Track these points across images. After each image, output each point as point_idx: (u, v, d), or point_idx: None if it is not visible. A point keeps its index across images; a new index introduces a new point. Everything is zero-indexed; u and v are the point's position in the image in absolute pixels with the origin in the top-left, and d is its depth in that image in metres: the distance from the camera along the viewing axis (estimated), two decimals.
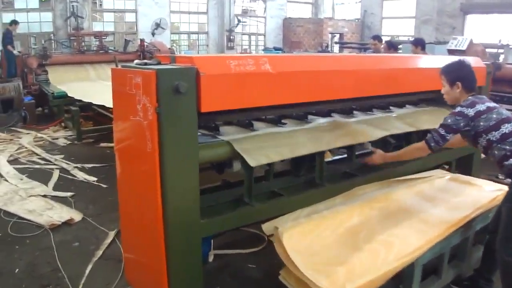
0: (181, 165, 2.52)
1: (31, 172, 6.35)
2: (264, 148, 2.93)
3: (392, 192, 3.61)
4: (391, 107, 4.24)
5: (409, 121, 3.99)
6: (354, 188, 3.60)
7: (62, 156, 7.17)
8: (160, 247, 2.61)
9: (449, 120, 3.07)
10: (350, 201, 3.44)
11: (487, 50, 10.25)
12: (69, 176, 6.16)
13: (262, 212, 3.08)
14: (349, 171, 3.78)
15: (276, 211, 3.12)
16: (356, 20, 21.91)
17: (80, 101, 8.06)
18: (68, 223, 4.56)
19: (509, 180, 3.08)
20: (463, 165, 4.85)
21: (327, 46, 19.03)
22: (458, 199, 3.66)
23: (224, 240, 3.92)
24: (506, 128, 2.96)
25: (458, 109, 3.07)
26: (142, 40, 12.15)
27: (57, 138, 8.45)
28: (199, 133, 2.71)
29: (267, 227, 3.05)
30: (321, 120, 3.56)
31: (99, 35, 12.07)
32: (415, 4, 19.74)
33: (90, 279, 3.54)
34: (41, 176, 6.13)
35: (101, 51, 11.50)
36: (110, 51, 11.71)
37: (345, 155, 3.97)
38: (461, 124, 3.03)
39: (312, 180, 3.49)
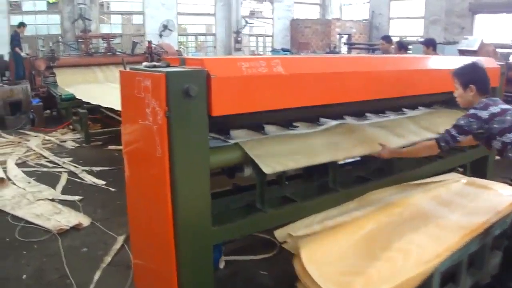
0: (191, 171, 2.44)
1: (39, 175, 6.31)
2: (279, 155, 2.84)
3: (408, 197, 3.52)
4: (405, 109, 4.14)
5: (424, 124, 3.89)
6: (368, 192, 3.51)
7: (70, 159, 7.13)
8: (170, 254, 2.53)
9: (461, 122, 2.99)
10: (365, 206, 3.35)
11: (497, 50, 10.12)
12: (77, 180, 6.12)
13: (275, 219, 3.00)
14: (362, 175, 3.69)
15: (289, 217, 3.04)
16: (364, 21, 21.80)
17: (88, 103, 8.01)
18: (76, 228, 4.50)
19: None
20: (478, 168, 4.75)
21: (335, 47, 18.92)
22: (476, 204, 3.56)
23: (235, 245, 3.85)
24: None
25: (472, 111, 3.00)
26: (149, 42, 12.12)
27: (65, 141, 8.41)
28: (209, 137, 2.62)
29: (280, 234, 2.97)
30: (334, 123, 3.47)
31: (106, 37, 12.04)
32: (423, 4, 19.61)
33: (99, 287, 3.48)
34: (49, 179, 6.09)
35: (108, 53, 11.48)
36: (117, 53, 11.68)
37: (358, 158, 3.87)
38: (474, 126, 2.96)
39: (325, 184, 3.40)
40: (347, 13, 23.35)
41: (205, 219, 2.57)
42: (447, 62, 4.13)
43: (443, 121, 3.88)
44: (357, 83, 3.17)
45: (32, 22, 14.55)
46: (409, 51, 9.20)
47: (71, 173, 6.36)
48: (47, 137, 8.58)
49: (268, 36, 21.54)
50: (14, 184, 5.81)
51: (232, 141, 2.85)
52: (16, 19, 13.71)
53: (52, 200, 5.28)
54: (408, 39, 17.98)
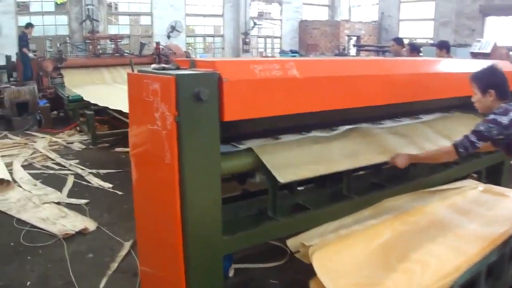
0: (202, 179, 2.34)
1: (45, 177, 6.23)
2: (295, 162, 2.73)
3: (424, 205, 3.41)
4: (422, 116, 4.02)
5: (442, 130, 3.78)
6: (383, 200, 3.40)
7: (77, 161, 7.05)
8: (179, 264, 2.44)
9: (481, 127, 2.86)
10: (380, 214, 3.24)
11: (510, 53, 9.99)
12: (83, 182, 6.03)
13: (287, 227, 2.89)
14: (377, 181, 3.57)
15: (302, 226, 2.93)
16: (373, 23, 21.64)
17: (95, 104, 7.94)
18: (82, 233, 4.41)
19: None
20: (493, 174, 4.63)
21: (344, 49, 18.78)
22: (494, 212, 3.47)
23: (244, 252, 3.73)
24: None
25: (492, 116, 2.86)
26: (157, 43, 12.05)
27: (72, 143, 8.33)
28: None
29: (292, 243, 2.86)
30: (348, 128, 3.35)
31: (114, 38, 11.97)
32: (433, 6, 19.43)
33: None
34: (56, 182, 6.01)
35: (116, 54, 11.41)
36: (125, 54, 11.62)
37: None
38: (494, 132, 2.83)
39: (339, 191, 3.28)
40: (356, 15, 23.19)
41: (216, 229, 2.47)
42: (464, 65, 4.01)
43: (461, 126, 3.77)
44: (374, 87, 3.05)
45: (39, 23, 14.53)
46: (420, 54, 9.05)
47: (77, 176, 6.28)
48: (54, 139, 8.52)
49: (276, 37, 21.43)
50: (20, 186, 5.74)
51: (243, 146, 2.74)
52: (23, 20, 13.69)
53: (58, 203, 5.20)
54: (418, 41, 17.84)
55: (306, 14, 21.85)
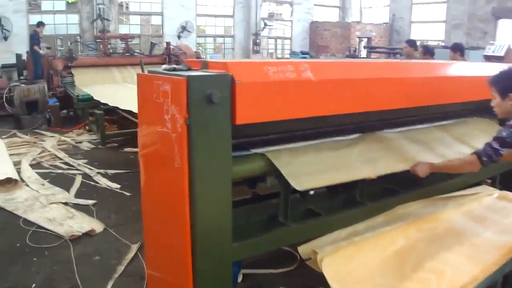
0: (212, 183, 2.26)
1: (53, 177, 6.20)
2: (311, 170, 2.65)
3: (439, 212, 3.32)
4: (440, 120, 3.93)
5: (462, 137, 3.70)
6: (397, 206, 3.30)
7: (85, 160, 7.02)
8: (187, 270, 2.36)
9: (503, 133, 2.75)
10: (393, 221, 3.15)
11: None
12: (91, 182, 6.00)
13: (299, 233, 2.80)
14: (390, 187, 3.47)
15: (313, 232, 2.85)
16: (385, 24, 21.47)
17: (105, 104, 7.91)
18: (89, 234, 4.36)
19: None
20: (507, 180, 4.51)
21: (355, 51, 18.65)
22: (510, 220, 3.37)
23: (254, 257, 3.64)
24: None
25: None
26: (168, 43, 12.02)
27: (80, 142, 8.32)
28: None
29: (304, 250, 2.77)
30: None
31: (125, 38, 11.96)
32: (445, 8, 19.25)
33: None
34: (63, 181, 5.97)
35: (127, 54, 11.41)
36: (136, 54, 11.60)
37: None
38: None
39: (352, 197, 3.19)
40: (367, 16, 23.02)
41: (226, 235, 2.39)
42: (481, 68, 3.91)
43: (479, 131, 3.69)
44: (391, 90, 2.95)
45: (51, 22, 14.53)
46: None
47: (85, 176, 6.24)
48: (62, 138, 8.50)
49: (286, 38, 21.34)
50: (28, 186, 5.71)
51: (255, 150, 2.66)
52: (35, 19, 13.69)
53: (66, 203, 5.16)
54: (429, 43, 17.68)
55: (317, 15, 21.73)
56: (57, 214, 4.80)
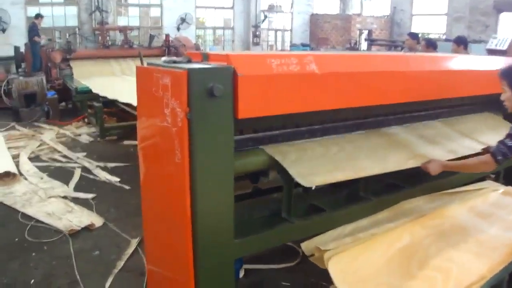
0: (214, 179, 2.20)
1: (52, 170, 6.14)
2: (319, 168, 2.58)
3: (444, 208, 3.25)
4: (448, 115, 3.87)
5: (472, 134, 3.65)
6: (401, 202, 3.25)
7: (84, 153, 6.97)
8: (188, 266, 2.30)
9: None
10: (398, 216, 3.10)
11: None
12: (90, 176, 5.94)
13: (302, 230, 2.75)
14: (394, 182, 3.41)
15: (317, 228, 2.79)
16: (385, 17, 21.36)
17: (104, 96, 7.83)
18: (88, 228, 4.31)
19: None
20: (511, 175, 4.46)
21: (355, 43, 18.54)
22: None
23: (255, 253, 3.61)
24: None
25: None
26: (167, 35, 11.93)
27: (79, 135, 8.26)
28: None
29: (307, 247, 2.72)
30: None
31: (124, 30, 11.89)
32: (446, 1, 19.13)
33: None
34: (62, 175, 5.92)
35: (125, 46, 11.33)
36: (135, 46, 11.52)
37: None
38: None
39: (356, 192, 3.14)
40: (368, 9, 22.88)
41: (228, 232, 2.34)
42: (489, 62, 3.85)
43: (487, 127, 3.63)
44: (398, 84, 2.88)
45: (49, 14, 14.41)
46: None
47: (84, 169, 6.18)
48: (61, 131, 8.45)
49: (287, 30, 21.22)
50: (26, 179, 5.65)
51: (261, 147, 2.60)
52: (33, 11, 13.57)
53: (65, 197, 5.10)
54: (430, 36, 17.59)
55: (317, 7, 21.60)
56: (56, 208, 4.74)
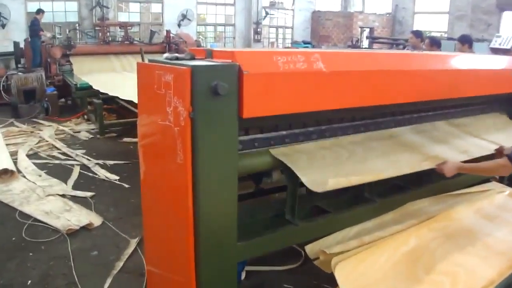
0: (217, 181, 2.13)
1: (51, 168, 6.07)
2: (331, 172, 2.51)
3: (451, 211, 3.19)
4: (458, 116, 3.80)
5: (482, 135, 3.59)
6: (407, 203, 3.18)
7: (84, 151, 6.89)
8: (190, 269, 2.25)
9: None
10: (403, 218, 3.03)
11: None
12: (89, 174, 5.86)
13: (307, 232, 2.68)
14: (400, 183, 3.34)
15: (321, 231, 2.73)
16: (387, 15, 21.25)
17: (103, 93, 7.74)
18: (87, 228, 4.23)
19: None
20: None
21: (357, 41, 18.44)
22: None
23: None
24: None
25: None
26: (168, 32, 11.83)
27: (79, 132, 8.18)
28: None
29: (311, 250, 2.65)
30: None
31: (124, 26, 11.78)
32: None
33: None
34: (61, 172, 5.84)
35: (126, 42, 11.22)
36: (135, 42, 11.43)
37: None
38: None
39: (361, 193, 3.06)
40: (370, 6, 22.76)
41: (231, 235, 2.27)
42: (498, 61, 3.77)
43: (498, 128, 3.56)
44: (407, 83, 2.81)
45: (49, 9, 14.28)
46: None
47: (83, 167, 6.10)
48: (60, 127, 8.36)
49: (288, 27, 21.11)
50: (24, 177, 5.57)
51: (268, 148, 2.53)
52: (33, 6, 13.45)
53: (63, 195, 5.02)
54: (432, 34, 17.48)
55: (319, 4, 21.47)
56: (54, 206, 4.66)
